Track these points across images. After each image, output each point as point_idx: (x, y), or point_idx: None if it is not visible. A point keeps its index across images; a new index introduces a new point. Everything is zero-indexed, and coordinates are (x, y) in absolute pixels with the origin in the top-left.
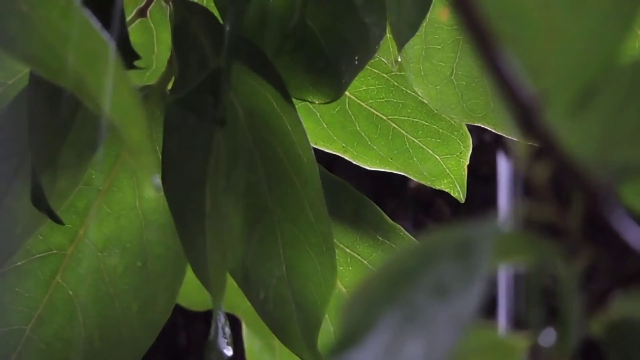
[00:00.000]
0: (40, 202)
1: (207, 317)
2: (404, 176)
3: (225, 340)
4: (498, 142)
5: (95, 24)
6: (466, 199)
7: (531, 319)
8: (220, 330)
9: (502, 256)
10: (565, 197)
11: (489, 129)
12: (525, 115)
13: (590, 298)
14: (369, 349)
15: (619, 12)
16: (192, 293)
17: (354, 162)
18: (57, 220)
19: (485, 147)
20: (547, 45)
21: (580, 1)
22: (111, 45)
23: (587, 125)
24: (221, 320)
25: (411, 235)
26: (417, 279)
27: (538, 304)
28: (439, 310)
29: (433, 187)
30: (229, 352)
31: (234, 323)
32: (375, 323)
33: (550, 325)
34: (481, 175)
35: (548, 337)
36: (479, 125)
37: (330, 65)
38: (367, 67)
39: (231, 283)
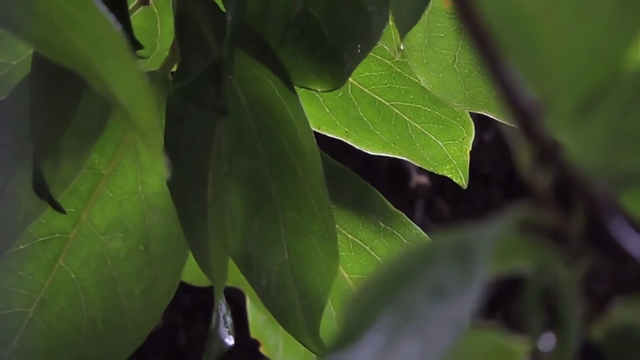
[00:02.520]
0: (41, 190)
1: (207, 317)
2: (403, 176)
3: (227, 330)
4: (498, 142)
5: (100, 6)
6: (466, 199)
7: (531, 323)
8: (221, 320)
9: (502, 260)
10: (566, 202)
11: (488, 128)
12: (526, 120)
13: (590, 304)
14: (365, 349)
15: (624, 19)
16: (195, 269)
17: (357, 147)
18: (58, 208)
19: (485, 147)
20: (551, 51)
21: (585, 8)
22: (118, 27)
23: (589, 132)
24: (222, 309)
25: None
26: (416, 280)
27: (538, 308)
28: (437, 311)
29: (435, 172)
30: (230, 341)
31: (239, 297)
32: (373, 323)
33: (550, 330)
34: (481, 175)
35: (548, 341)
36: (481, 113)
37: (332, 54)
38: (370, 53)
39: None
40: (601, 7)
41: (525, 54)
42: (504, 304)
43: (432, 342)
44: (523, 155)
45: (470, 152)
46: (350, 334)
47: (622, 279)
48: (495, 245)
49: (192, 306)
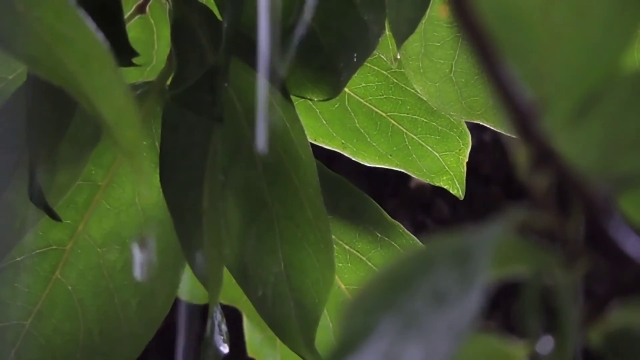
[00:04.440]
0: (37, 198)
1: (206, 317)
2: (403, 176)
3: (222, 338)
4: (498, 142)
5: (90, 24)
6: (466, 199)
7: (529, 326)
8: (216, 328)
9: (501, 263)
10: (564, 205)
11: (488, 129)
12: (524, 122)
13: (588, 307)
14: (367, 356)
15: (621, 20)
16: (191, 286)
17: (354, 159)
18: (54, 216)
19: (485, 147)
20: (548, 53)
21: (582, 9)
22: (106, 46)
23: (587, 134)
24: (217, 317)
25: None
26: (416, 285)
27: (536, 311)
28: (437, 317)
29: (432, 183)
30: (225, 349)
31: (235, 315)
32: (374, 329)
33: (549, 333)
34: (481, 175)
35: (546, 344)
36: (478, 122)
37: (329, 63)
38: (366, 64)
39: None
40: (598, 9)
41: (523, 55)
42: (503, 305)
43: (434, 348)
44: (521, 157)
45: (470, 152)
46: (351, 341)
47: (620, 281)
48: (495, 250)
49: (192, 306)
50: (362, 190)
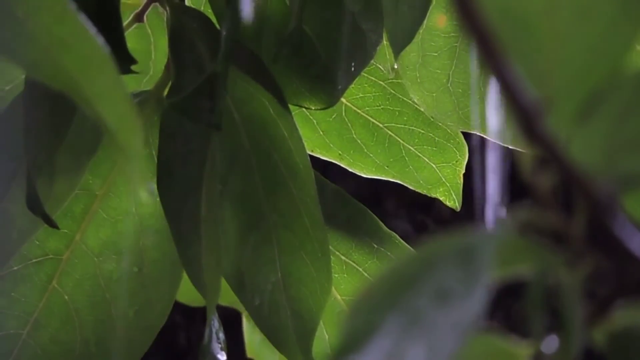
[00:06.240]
0: (35, 206)
1: (206, 318)
2: None
3: (219, 345)
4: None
5: (90, 29)
6: (466, 199)
7: (534, 326)
8: (214, 335)
9: (505, 262)
10: (568, 204)
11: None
12: (528, 122)
13: (592, 306)
14: (371, 354)
15: (625, 20)
16: (191, 290)
17: (350, 170)
18: (52, 224)
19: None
20: (552, 53)
21: (586, 9)
22: (106, 51)
23: (591, 133)
24: (215, 325)
25: (411, 235)
26: (420, 284)
27: (540, 311)
28: (441, 316)
29: (429, 195)
30: (222, 357)
31: (235, 316)
32: (378, 328)
33: (553, 332)
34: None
35: (550, 344)
36: (474, 133)
37: (326, 72)
38: (363, 74)
39: None
40: (601, 8)
41: (527, 54)
42: (504, 305)
43: (437, 346)
44: (525, 156)
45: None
46: (355, 339)
47: (625, 280)
48: (498, 248)
49: (191, 306)
50: (363, 190)
